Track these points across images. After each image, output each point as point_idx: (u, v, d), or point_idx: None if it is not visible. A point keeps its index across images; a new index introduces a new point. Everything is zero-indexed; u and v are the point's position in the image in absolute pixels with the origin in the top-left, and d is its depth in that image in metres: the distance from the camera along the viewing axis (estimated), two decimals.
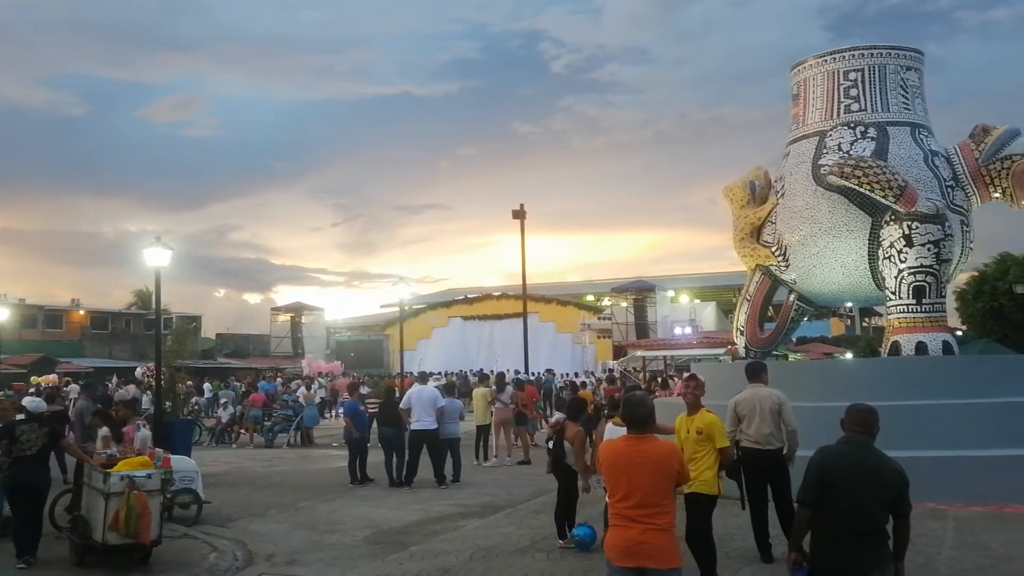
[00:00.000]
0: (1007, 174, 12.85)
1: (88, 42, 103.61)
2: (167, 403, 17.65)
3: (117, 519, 8.19)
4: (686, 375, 7.76)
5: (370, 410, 16.76)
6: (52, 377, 32.47)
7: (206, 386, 31.19)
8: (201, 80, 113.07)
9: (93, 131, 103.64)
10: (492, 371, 33.58)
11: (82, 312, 53.10)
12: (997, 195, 13.08)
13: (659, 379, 31.54)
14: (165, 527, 9.15)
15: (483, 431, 17.65)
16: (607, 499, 5.18)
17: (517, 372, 30.06)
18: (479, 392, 18.40)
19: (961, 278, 25.04)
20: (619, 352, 44.44)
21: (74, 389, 24.29)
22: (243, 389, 28.83)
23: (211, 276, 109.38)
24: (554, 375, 39.48)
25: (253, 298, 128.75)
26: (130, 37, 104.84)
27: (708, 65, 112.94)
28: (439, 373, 37.94)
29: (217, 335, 58.66)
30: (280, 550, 9.48)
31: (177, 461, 11.10)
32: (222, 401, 25.27)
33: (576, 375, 38.10)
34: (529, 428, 19.27)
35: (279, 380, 34.45)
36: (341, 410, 24.94)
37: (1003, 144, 12.91)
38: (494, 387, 18.33)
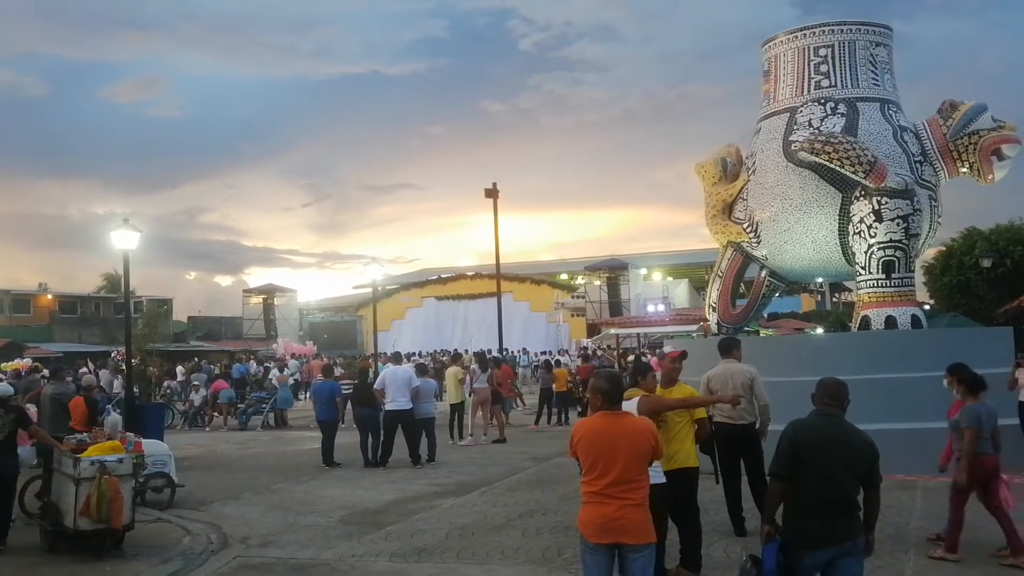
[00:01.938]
0: (974, 149, 12.97)
1: (47, 21, 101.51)
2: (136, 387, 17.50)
3: (88, 504, 8.11)
4: (673, 352, 7.67)
5: (344, 391, 16.71)
6: (26, 362, 31.89)
7: (179, 369, 30.86)
8: (164, 59, 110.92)
9: (55, 112, 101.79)
10: (467, 351, 33.54)
11: (50, 296, 52.17)
12: (964, 170, 13.20)
13: (629, 357, 31.66)
14: (138, 511, 9.09)
15: (457, 410, 17.65)
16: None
17: (490, 351, 30.07)
18: (452, 371, 18.37)
19: (929, 253, 25.39)
20: (593, 330, 44.59)
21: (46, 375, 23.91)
22: (217, 372, 28.54)
23: (181, 259, 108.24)
24: (526, 353, 39.56)
25: (225, 280, 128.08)
26: (90, 16, 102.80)
27: (675, 42, 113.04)
28: (415, 354, 37.90)
29: (189, 318, 57.98)
30: (255, 532, 9.45)
31: (149, 445, 11.01)
32: (194, 383, 25.05)
33: (550, 353, 38.20)
34: (504, 407, 19.28)
35: (252, 362, 34.20)
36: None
37: (970, 119, 13.02)
38: (476, 367, 18.21)
